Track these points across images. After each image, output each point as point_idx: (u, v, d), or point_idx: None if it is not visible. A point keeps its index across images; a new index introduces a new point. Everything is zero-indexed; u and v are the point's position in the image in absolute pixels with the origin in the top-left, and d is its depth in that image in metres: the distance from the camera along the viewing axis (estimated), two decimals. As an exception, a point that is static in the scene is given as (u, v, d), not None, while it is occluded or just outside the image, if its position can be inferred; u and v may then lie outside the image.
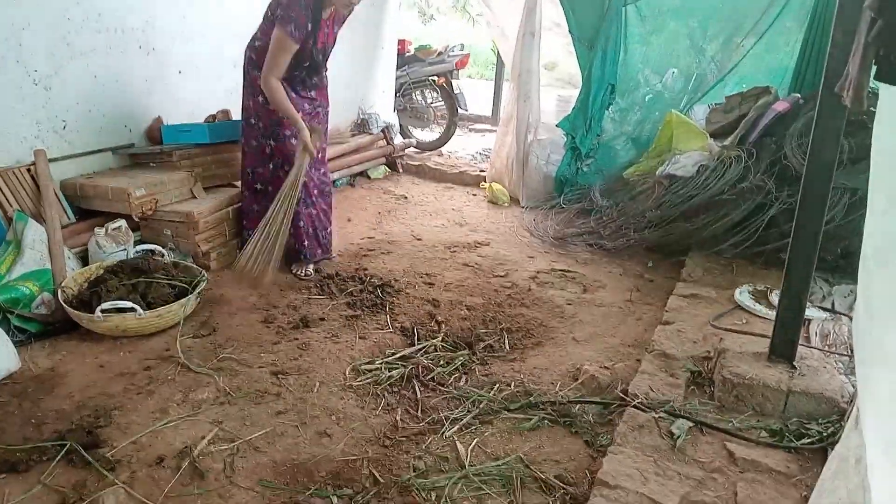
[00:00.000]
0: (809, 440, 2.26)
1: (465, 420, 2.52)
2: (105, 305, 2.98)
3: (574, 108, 5.39)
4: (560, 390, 2.75)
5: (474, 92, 8.77)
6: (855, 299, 1.76)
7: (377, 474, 2.21)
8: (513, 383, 2.80)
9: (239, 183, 4.11)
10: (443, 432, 2.45)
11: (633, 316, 3.54)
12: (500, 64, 8.32)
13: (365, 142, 6.09)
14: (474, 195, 5.92)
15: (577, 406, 2.62)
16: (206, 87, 4.54)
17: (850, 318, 3.07)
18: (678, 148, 4.60)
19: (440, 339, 3.17)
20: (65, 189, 3.72)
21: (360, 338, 3.17)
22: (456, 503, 2.09)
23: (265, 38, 3.54)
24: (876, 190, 1.38)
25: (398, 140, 6.67)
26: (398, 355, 3.00)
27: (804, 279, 2.46)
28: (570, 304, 3.66)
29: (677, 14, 5.17)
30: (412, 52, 7.23)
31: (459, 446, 2.36)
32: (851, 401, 2.34)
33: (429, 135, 7.39)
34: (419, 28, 12.62)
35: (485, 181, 5.99)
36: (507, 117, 5.74)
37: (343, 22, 3.77)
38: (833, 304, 3.30)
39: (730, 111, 4.70)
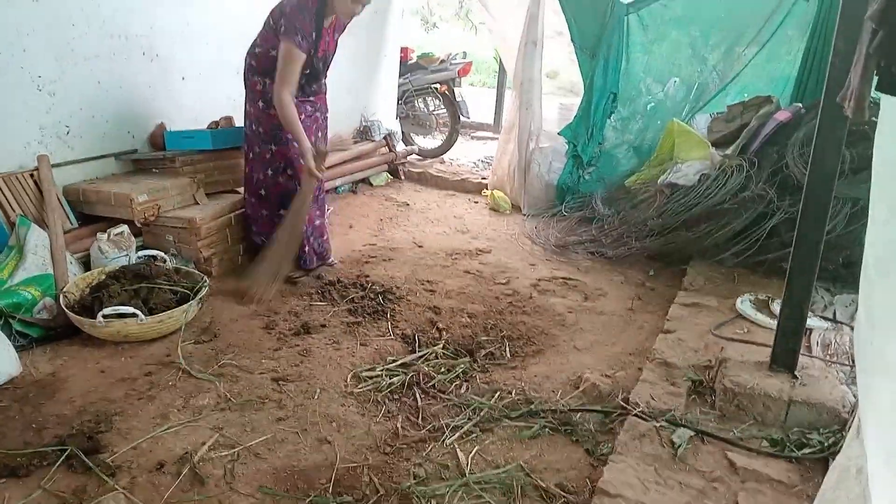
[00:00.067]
0: (810, 450, 2.26)
1: (465, 428, 2.52)
2: (107, 311, 2.98)
3: (576, 116, 5.40)
4: (561, 398, 2.75)
5: (476, 100, 8.79)
6: (856, 309, 1.76)
7: (377, 482, 2.21)
8: (514, 391, 2.80)
9: (242, 189, 4.11)
10: (443, 440, 2.45)
11: (635, 324, 3.53)
12: (502, 72, 8.34)
13: (367, 149, 6.10)
14: (476, 202, 5.93)
15: (578, 414, 2.62)
16: (210, 94, 4.56)
17: (852, 328, 3.07)
18: (680, 157, 4.60)
19: (441, 346, 3.17)
20: (68, 194, 3.73)
21: (361, 344, 3.17)
22: (456, 511, 2.09)
23: (265, 45, 3.55)
24: (877, 200, 1.39)
25: (400, 147, 6.68)
26: (399, 362, 3.00)
27: (806, 288, 2.46)
28: (571, 312, 3.66)
29: (679, 23, 5.19)
30: (415, 59, 7.25)
31: (460, 454, 2.36)
32: (853, 411, 2.33)
33: (431, 142, 7.40)
34: (422, 36, 12.66)
35: (486, 189, 5.99)
36: (508, 125, 5.75)
37: (343, 29, 3.78)
38: (834, 314, 3.29)
39: (731, 120, 4.71)
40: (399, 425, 2.55)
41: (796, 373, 2.53)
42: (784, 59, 4.96)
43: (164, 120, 4.29)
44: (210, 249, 3.86)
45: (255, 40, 3.66)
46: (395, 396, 2.75)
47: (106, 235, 3.58)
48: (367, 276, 3.99)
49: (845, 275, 3.59)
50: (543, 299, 3.82)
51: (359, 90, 6.35)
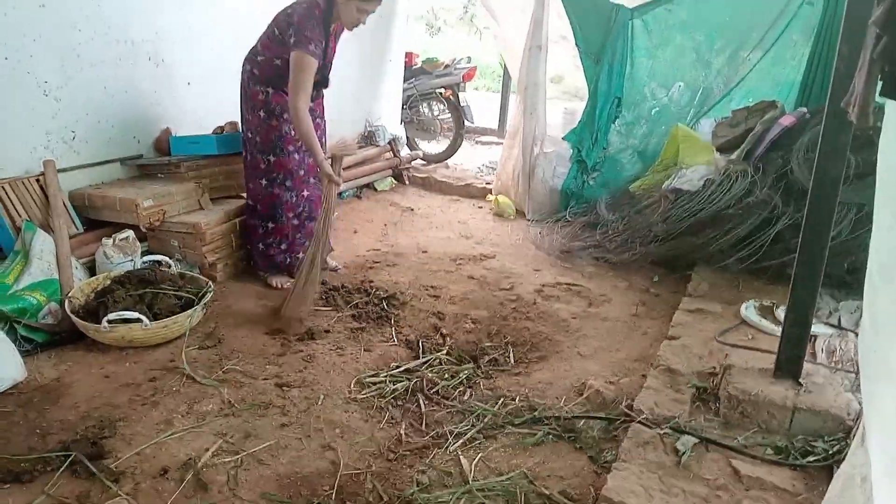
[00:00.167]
0: (815, 458, 2.24)
1: (469, 434, 2.52)
2: (111, 316, 2.99)
3: (580, 121, 5.40)
4: (565, 405, 2.74)
5: (481, 104, 8.80)
6: (861, 315, 1.75)
7: (381, 488, 2.21)
8: (517, 398, 2.79)
9: (246, 195, 4.12)
10: (447, 446, 2.44)
11: (639, 330, 3.53)
12: (506, 77, 8.35)
13: (372, 154, 6.11)
14: (480, 208, 5.93)
15: (582, 421, 2.61)
16: (215, 99, 4.57)
17: (857, 335, 3.05)
18: (684, 162, 4.60)
19: (445, 352, 3.17)
20: (73, 199, 3.74)
21: (365, 350, 3.18)
22: (459, 518, 2.09)
23: (267, 54, 3.54)
24: (881, 206, 1.38)
25: (405, 152, 6.69)
26: (403, 368, 3.00)
27: (810, 295, 2.45)
28: (575, 318, 3.65)
29: (684, 28, 5.18)
30: (419, 64, 7.27)
31: (463, 461, 2.35)
32: (857, 418, 2.32)
33: (435, 147, 7.41)
34: (426, 40, 12.69)
35: (491, 194, 6.00)
36: (513, 130, 5.75)
37: (340, 34, 3.77)
38: (839, 321, 3.27)
39: (736, 125, 4.70)
40: (402, 432, 2.55)
41: (801, 380, 2.52)
42: (789, 64, 4.95)
43: (169, 125, 4.31)
44: (215, 254, 3.87)
45: (256, 48, 3.64)
46: (399, 403, 2.76)
47: (111, 240, 3.59)
48: (372, 281, 3.99)
49: (850, 281, 3.57)
50: (547, 305, 3.82)
51: (363, 95, 6.36)
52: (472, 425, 2.58)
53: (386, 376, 2.92)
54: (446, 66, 7.02)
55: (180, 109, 4.38)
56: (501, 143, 6.40)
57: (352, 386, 2.85)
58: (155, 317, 3.09)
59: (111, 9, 3.76)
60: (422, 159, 7.11)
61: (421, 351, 3.19)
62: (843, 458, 1.94)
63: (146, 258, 3.66)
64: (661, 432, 2.39)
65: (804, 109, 4.43)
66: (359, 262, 4.37)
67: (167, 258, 3.67)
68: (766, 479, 2.15)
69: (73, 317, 3.04)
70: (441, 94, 6.93)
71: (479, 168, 7.11)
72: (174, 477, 2.21)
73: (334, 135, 5.48)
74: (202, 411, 2.60)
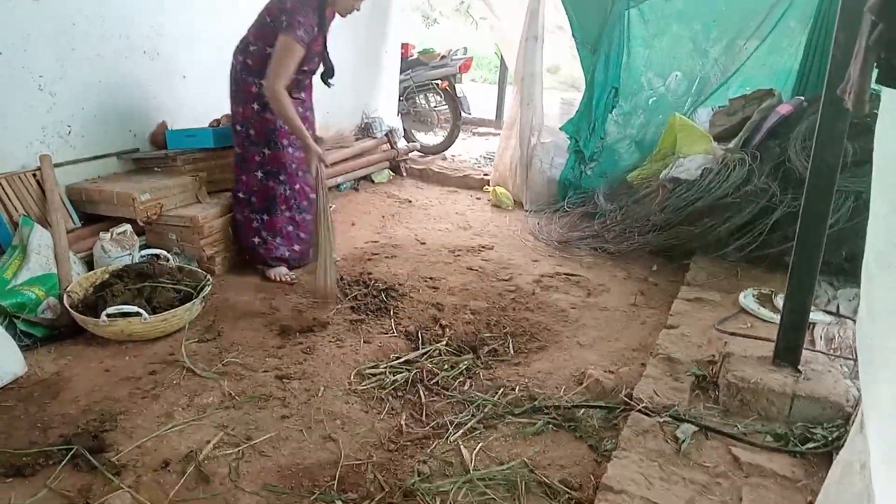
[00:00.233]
0: (814, 445, 2.25)
1: (469, 424, 2.52)
2: (110, 310, 2.99)
3: (577, 111, 5.39)
4: (564, 394, 2.75)
5: (477, 95, 8.79)
6: (859, 303, 1.76)
7: (382, 479, 2.22)
8: (517, 387, 2.80)
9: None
10: (447, 437, 2.45)
11: (638, 320, 3.53)
12: (503, 67, 8.34)
13: (369, 146, 6.09)
14: (478, 199, 5.93)
15: (582, 410, 2.62)
16: (211, 92, 4.54)
17: (855, 322, 3.06)
18: (682, 151, 4.59)
19: (444, 343, 3.17)
20: (70, 194, 3.74)
21: (364, 342, 3.18)
22: (460, 507, 2.10)
23: (260, 43, 3.52)
24: (878, 193, 1.38)
25: (402, 144, 6.68)
26: (402, 359, 3.01)
27: (809, 283, 2.46)
28: (574, 308, 3.66)
29: (680, 17, 5.17)
30: (415, 55, 7.25)
31: (464, 451, 2.36)
32: (856, 405, 2.33)
33: (432, 138, 7.40)
34: (422, 32, 12.62)
35: (488, 185, 5.99)
36: (510, 121, 5.74)
37: (332, 20, 3.72)
38: (838, 308, 3.29)
39: (733, 114, 4.70)
40: (403, 422, 2.56)
41: (800, 367, 2.53)
42: (786, 52, 4.95)
43: (165, 118, 4.29)
44: (213, 248, 3.87)
45: (247, 38, 3.61)
46: (399, 393, 2.76)
47: (109, 235, 3.58)
48: (370, 273, 3.99)
49: (849, 268, 3.58)
50: (546, 295, 3.82)
51: (360, 87, 6.34)
52: (473, 415, 2.59)
53: (386, 367, 2.93)
54: (443, 58, 7.01)
55: (176, 103, 4.37)
56: (499, 134, 6.39)
57: (352, 377, 2.86)
58: (154, 310, 3.09)
59: (106, 2, 3.74)
60: (419, 151, 7.10)
61: (420, 342, 3.19)
62: (843, 445, 1.95)
63: (144, 252, 3.65)
64: (661, 420, 2.40)
65: (801, 98, 4.43)
66: (357, 255, 4.37)
67: (165, 252, 3.66)
68: (765, 466, 2.16)
69: (71, 311, 3.04)
70: (438, 85, 6.91)
71: (476, 159, 7.11)
72: (176, 469, 2.22)
73: (331, 127, 5.48)
74: (203, 404, 2.61)
